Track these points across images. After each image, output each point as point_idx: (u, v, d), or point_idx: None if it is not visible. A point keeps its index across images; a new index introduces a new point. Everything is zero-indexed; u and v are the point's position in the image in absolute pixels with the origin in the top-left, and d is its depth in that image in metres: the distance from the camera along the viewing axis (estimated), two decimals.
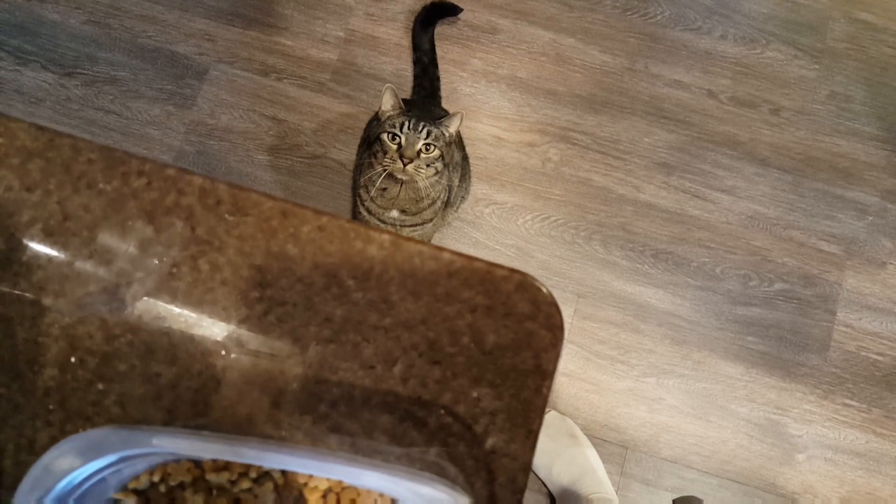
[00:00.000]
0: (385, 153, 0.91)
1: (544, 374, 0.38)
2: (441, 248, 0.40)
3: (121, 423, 0.37)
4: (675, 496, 1.13)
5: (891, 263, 1.24)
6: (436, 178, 0.95)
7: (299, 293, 0.39)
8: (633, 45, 1.34)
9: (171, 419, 0.37)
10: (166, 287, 0.39)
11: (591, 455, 1.10)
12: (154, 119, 1.29)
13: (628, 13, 1.35)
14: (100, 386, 0.38)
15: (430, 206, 1.00)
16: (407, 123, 0.91)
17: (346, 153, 1.28)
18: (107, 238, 0.39)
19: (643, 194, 1.27)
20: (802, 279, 1.23)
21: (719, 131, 1.30)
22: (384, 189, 0.96)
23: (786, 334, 1.21)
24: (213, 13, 1.34)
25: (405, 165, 0.90)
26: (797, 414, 1.17)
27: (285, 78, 1.31)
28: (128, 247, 0.39)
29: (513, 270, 0.40)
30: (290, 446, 0.34)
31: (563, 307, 1.21)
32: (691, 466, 1.15)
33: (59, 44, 1.32)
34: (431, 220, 1.03)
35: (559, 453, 1.09)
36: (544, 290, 0.40)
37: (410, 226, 1.03)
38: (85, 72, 1.31)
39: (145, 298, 0.39)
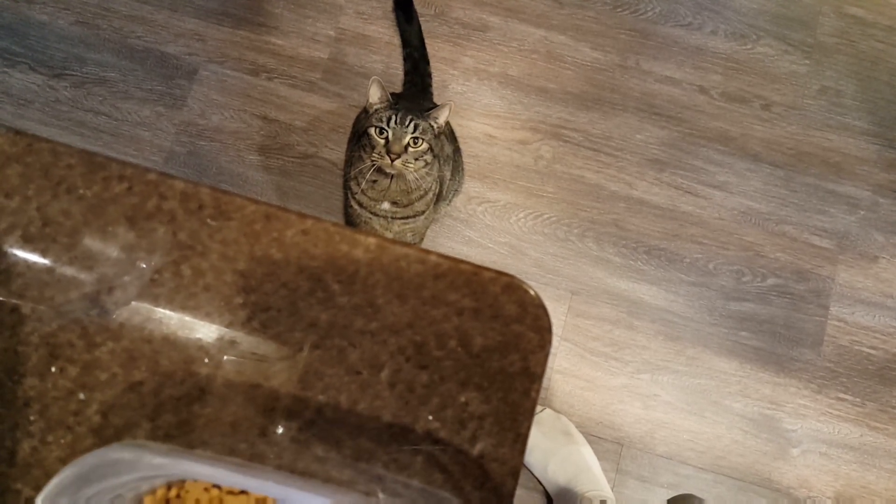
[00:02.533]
0: (373, 147, 0.91)
1: (532, 376, 0.38)
2: (427, 251, 0.40)
3: (102, 432, 0.36)
4: (671, 493, 1.13)
5: (883, 257, 1.25)
6: (426, 170, 0.94)
7: (284, 298, 0.39)
8: (623, 42, 1.34)
9: (155, 428, 0.37)
10: (148, 293, 0.39)
11: (587, 453, 1.10)
12: (144, 120, 1.28)
13: (619, 10, 1.35)
14: (81, 395, 0.37)
15: (421, 197, 1.00)
16: (394, 117, 0.90)
17: (338, 152, 1.27)
18: (87, 244, 0.39)
19: (635, 191, 1.27)
20: (795, 274, 1.24)
21: (711, 127, 1.30)
22: (374, 181, 0.96)
23: (779, 329, 1.21)
24: (202, 13, 1.33)
25: (393, 160, 0.90)
26: (791, 409, 1.17)
27: (276, 77, 1.30)
28: (109, 253, 0.39)
29: (500, 272, 0.40)
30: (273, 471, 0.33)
31: (556, 304, 1.21)
32: (686, 462, 1.15)
33: (48, 45, 1.31)
34: (423, 212, 1.02)
35: (554, 451, 1.09)
36: (531, 291, 0.39)
37: (402, 218, 1.02)
38: (74, 73, 1.30)
39: (127, 305, 0.38)
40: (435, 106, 0.96)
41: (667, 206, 1.26)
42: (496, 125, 1.29)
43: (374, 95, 0.94)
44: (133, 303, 0.39)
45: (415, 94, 1.23)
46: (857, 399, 1.18)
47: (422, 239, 1.19)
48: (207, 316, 0.39)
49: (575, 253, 1.24)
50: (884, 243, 1.25)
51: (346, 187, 1.04)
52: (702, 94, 1.31)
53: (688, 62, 1.33)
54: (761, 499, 1.13)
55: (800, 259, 1.24)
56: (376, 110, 0.94)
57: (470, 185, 1.26)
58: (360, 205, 1.01)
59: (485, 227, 1.24)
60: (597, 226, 1.25)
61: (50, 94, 1.29)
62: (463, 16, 1.34)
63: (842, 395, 1.18)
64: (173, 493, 0.34)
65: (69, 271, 0.39)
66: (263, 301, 0.39)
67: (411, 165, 0.91)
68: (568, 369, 1.18)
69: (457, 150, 1.17)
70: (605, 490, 1.06)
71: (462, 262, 0.40)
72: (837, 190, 1.28)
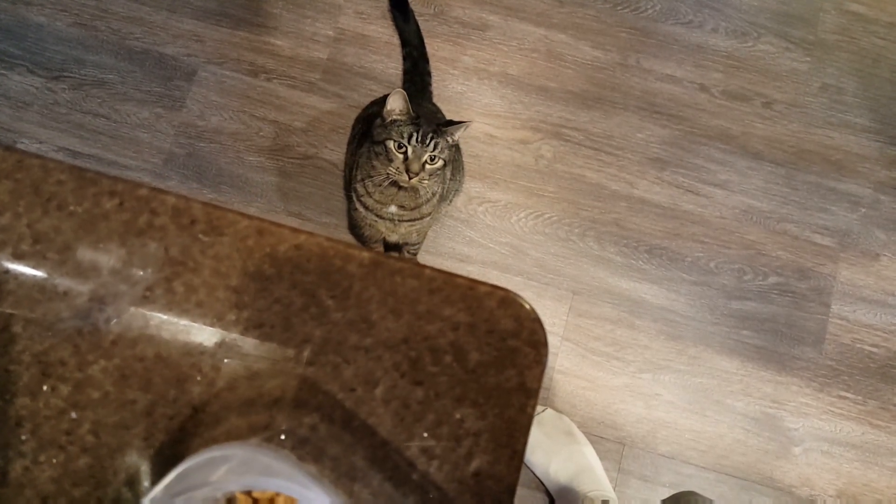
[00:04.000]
0: (390, 161, 0.89)
1: (528, 392, 0.38)
2: (422, 265, 0.39)
3: (95, 451, 0.36)
4: (673, 492, 1.13)
5: (884, 255, 1.24)
6: (435, 179, 0.94)
7: (277, 314, 0.39)
8: (624, 40, 1.33)
9: (147, 447, 0.36)
10: (140, 310, 0.38)
11: (589, 452, 1.10)
12: (143, 122, 1.28)
13: (619, 8, 1.34)
14: (73, 414, 0.37)
15: (428, 201, 0.99)
16: (416, 135, 0.87)
17: (338, 153, 1.27)
18: (79, 261, 0.38)
19: (637, 190, 1.26)
20: (797, 272, 1.23)
21: (712, 125, 1.29)
22: (382, 187, 0.95)
23: (781, 328, 1.20)
24: (200, 14, 1.33)
25: (410, 178, 0.88)
26: (793, 407, 1.17)
27: (275, 78, 1.30)
28: (100, 269, 0.38)
29: (495, 286, 0.39)
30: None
31: (557, 304, 1.21)
32: (689, 462, 1.15)
33: (46, 47, 1.30)
34: (429, 213, 1.02)
35: (556, 451, 1.09)
36: (527, 306, 0.39)
37: (408, 220, 1.02)
38: (72, 75, 1.29)
39: (119, 322, 0.38)
40: (438, 110, 0.95)
41: (668, 204, 1.25)
42: (496, 125, 1.28)
43: (396, 105, 0.90)
44: (125, 320, 0.38)
45: (414, 93, 1.22)
46: (859, 397, 1.18)
47: (424, 237, 1.19)
48: (199, 333, 0.39)
49: (576, 252, 1.23)
50: (885, 241, 1.24)
51: (350, 189, 1.03)
52: (703, 93, 1.30)
53: (688, 60, 1.32)
54: (764, 497, 1.13)
55: (801, 257, 1.24)
56: (395, 122, 0.90)
57: (471, 185, 1.25)
58: (366, 207, 1.00)
59: (486, 228, 1.24)
60: (598, 225, 1.24)
61: (48, 97, 1.28)
62: (462, 15, 1.33)
63: (843, 394, 1.18)
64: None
65: (60, 288, 0.39)
66: (256, 317, 0.39)
67: (426, 181, 0.91)
68: (569, 369, 1.18)
69: (457, 150, 1.16)
70: (607, 490, 1.06)
71: (457, 276, 0.40)
72: (839, 188, 1.27)
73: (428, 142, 0.88)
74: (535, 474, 1.11)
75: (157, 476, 0.36)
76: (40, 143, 1.26)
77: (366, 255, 0.39)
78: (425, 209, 1.00)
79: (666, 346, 1.19)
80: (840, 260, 1.23)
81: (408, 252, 1.20)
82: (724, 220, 1.25)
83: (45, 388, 0.37)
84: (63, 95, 1.29)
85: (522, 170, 1.27)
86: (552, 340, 1.19)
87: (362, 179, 0.97)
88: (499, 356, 0.39)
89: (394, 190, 0.95)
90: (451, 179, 1.10)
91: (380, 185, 0.93)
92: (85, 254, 0.38)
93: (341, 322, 0.39)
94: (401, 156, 0.89)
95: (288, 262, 0.39)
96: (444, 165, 0.92)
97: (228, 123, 1.28)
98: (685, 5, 1.34)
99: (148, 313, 0.39)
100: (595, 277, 1.22)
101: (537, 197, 1.25)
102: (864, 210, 1.26)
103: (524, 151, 1.27)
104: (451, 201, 1.19)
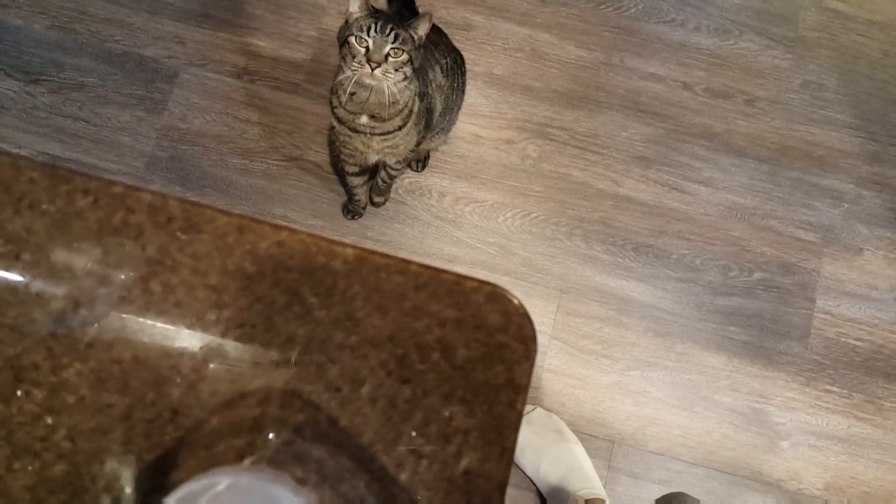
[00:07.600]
0: (353, 57, 0.91)
1: (518, 388, 0.37)
2: (408, 261, 0.39)
3: (72, 457, 0.35)
4: (663, 489, 1.13)
5: (867, 249, 1.25)
6: (405, 83, 0.94)
7: (259, 313, 0.38)
8: (608, 39, 1.33)
9: (126, 452, 0.35)
10: (116, 312, 0.37)
11: (579, 451, 1.10)
12: (124, 125, 1.26)
13: (602, 7, 1.34)
14: (48, 420, 0.36)
15: (399, 112, 0.99)
16: (374, 26, 0.90)
17: (323, 154, 1.26)
18: (52, 261, 0.37)
19: (622, 188, 1.26)
20: (781, 268, 1.24)
21: (695, 123, 1.30)
22: (353, 94, 0.96)
23: (766, 323, 1.21)
24: (182, 15, 1.31)
25: (373, 69, 0.90)
26: (780, 402, 1.18)
27: (258, 79, 1.29)
28: (75, 270, 0.37)
29: (482, 281, 0.39)
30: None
31: (546, 303, 1.21)
32: (678, 458, 1.15)
33: (24, 50, 1.28)
34: (401, 127, 1.02)
35: (546, 450, 1.08)
36: (515, 300, 0.38)
37: (381, 134, 1.02)
38: (51, 78, 1.27)
39: (94, 324, 0.37)
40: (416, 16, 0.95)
41: (653, 202, 1.26)
42: (482, 125, 1.28)
43: (354, 4, 0.93)
44: (101, 321, 0.37)
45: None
46: (845, 391, 1.18)
47: (404, 165, 1.16)
48: (178, 334, 0.38)
49: (563, 251, 1.23)
50: (868, 235, 1.26)
51: (329, 101, 1.04)
52: (686, 91, 1.31)
53: (671, 58, 1.32)
54: (753, 492, 1.14)
55: (785, 253, 1.24)
56: (356, 19, 0.92)
57: (457, 186, 1.25)
58: (340, 121, 1.01)
59: (473, 228, 1.24)
60: (584, 224, 1.25)
61: (27, 101, 1.26)
62: (447, 15, 1.32)
63: (829, 387, 1.18)
64: None
65: (33, 290, 0.38)
66: (238, 317, 0.38)
67: (391, 76, 0.91)
68: (558, 368, 1.18)
69: (453, 88, 1.13)
70: (598, 488, 1.06)
71: (444, 271, 0.39)
72: (821, 183, 1.28)
73: (388, 32, 0.90)
74: (525, 474, 1.11)
75: (136, 481, 0.35)
76: (19, 147, 1.24)
77: (350, 251, 0.39)
78: (397, 121, 1.00)
79: (653, 343, 1.19)
80: (824, 255, 1.25)
81: (384, 179, 1.18)
82: (709, 217, 1.26)
83: (18, 393, 0.36)
84: (42, 99, 1.26)
85: (509, 169, 1.26)
86: (541, 339, 1.18)
87: (335, 89, 0.99)
88: (487, 352, 0.38)
89: (363, 95, 0.95)
90: (440, 113, 1.09)
91: (348, 89, 0.94)
92: (59, 254, 0.37)
93: (325, 320, 0.38)
94: (363, 49, 0.90)
95: (270, 260, 0.38)
96: (410, 63, 0.93)
97: (211, 126, 1.26)
98: (667, 4, 1.35)
99: (124, 314, 0.38)
100: (582, 276, 1.22)
101: (524, 196, 1.25)
102: (846, 205, 1.27)
103: (510, 151, 1.27)
104: (435, 137, 1.16)
